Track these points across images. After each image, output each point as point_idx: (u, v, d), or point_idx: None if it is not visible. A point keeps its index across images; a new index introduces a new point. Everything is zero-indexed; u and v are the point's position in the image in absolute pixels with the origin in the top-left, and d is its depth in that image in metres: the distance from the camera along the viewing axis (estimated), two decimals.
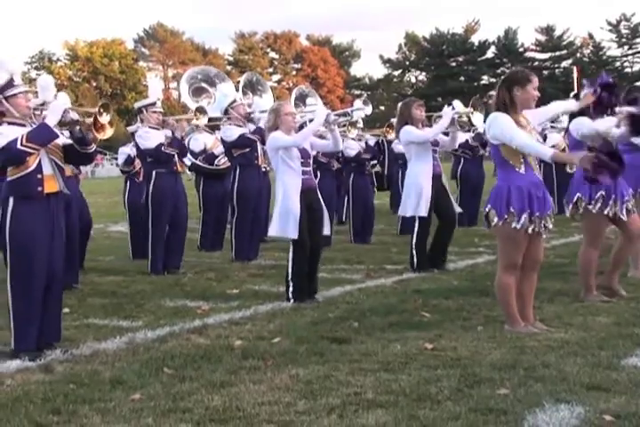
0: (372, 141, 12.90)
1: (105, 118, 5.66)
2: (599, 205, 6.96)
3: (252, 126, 10.27)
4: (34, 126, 5.60)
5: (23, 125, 5.62)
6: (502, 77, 6.10)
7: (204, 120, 10.01)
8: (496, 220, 5.86)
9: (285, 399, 4.46)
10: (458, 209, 9.40)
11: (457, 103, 11.38)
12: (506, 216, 5.81)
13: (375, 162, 13.74)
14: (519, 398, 4.35)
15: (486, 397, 4.40)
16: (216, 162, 11.34)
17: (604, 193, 6.95)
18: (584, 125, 7.02)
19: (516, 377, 4.74)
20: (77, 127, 5.69)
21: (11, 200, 5.56)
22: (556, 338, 5.69)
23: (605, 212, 6.99)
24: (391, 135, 12.66)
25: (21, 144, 5.40)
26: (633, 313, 6.50)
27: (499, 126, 5.80)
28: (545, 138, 12.28)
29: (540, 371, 4.87)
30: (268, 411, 4.28)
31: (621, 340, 5.57)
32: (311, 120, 8.21)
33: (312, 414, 4.22)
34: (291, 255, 7.45)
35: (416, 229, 9.04)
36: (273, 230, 7.41)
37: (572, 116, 7.17)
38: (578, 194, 7.07)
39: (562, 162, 5.81)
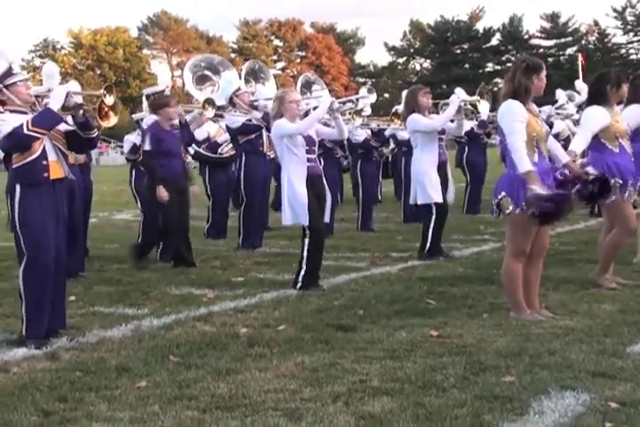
0: (375, 130, 12.83)
1: (109, 100, 5.65)
2: (617, 192, 6.86)
3: (257, 114, 10.24)
4: (36, 113, 5.60)
5: (25, 113, 5.60)
6: (520, 65, 5.85)
7: (211, 113, 9.98)
8: (511, 207, 5.80)
9: (291, 387, 4.47)
10: (451, 199, 9.32)
11: (459, 91, 11.35)
12: (524, 204, 5.74)
13: (393, 147, 13.65)
14: (525, 386, 4.36)
15: (492, 384, 4.41)
16: (219, 150, 11.32)
17: (619, 180, 6.87)
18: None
19: (522, 364, 4.75)
20: (80, 111, 5.67)
21: (17, 188, 5.55)
22: (562, 325, 5.69)
23: (624, 198, 6.89)
24: (395, 124, 12.62)
25: (27, 129, 5.39)
26: (638, 301, 6.49)
27: (508, 117, 5.76)
28: (551, 125, 12.20)
29: (545, 358, 4.87)
30: (273, 398, 4.29)
31: (627, 327, 5.58)
32: (315, 108, 8.19)
33: (318, 401, 4.22)
34: (306, 241, 7.39)
35: (434, 215, 8.94)
36: (286, 219, 7.36)
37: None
38: None
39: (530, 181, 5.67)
